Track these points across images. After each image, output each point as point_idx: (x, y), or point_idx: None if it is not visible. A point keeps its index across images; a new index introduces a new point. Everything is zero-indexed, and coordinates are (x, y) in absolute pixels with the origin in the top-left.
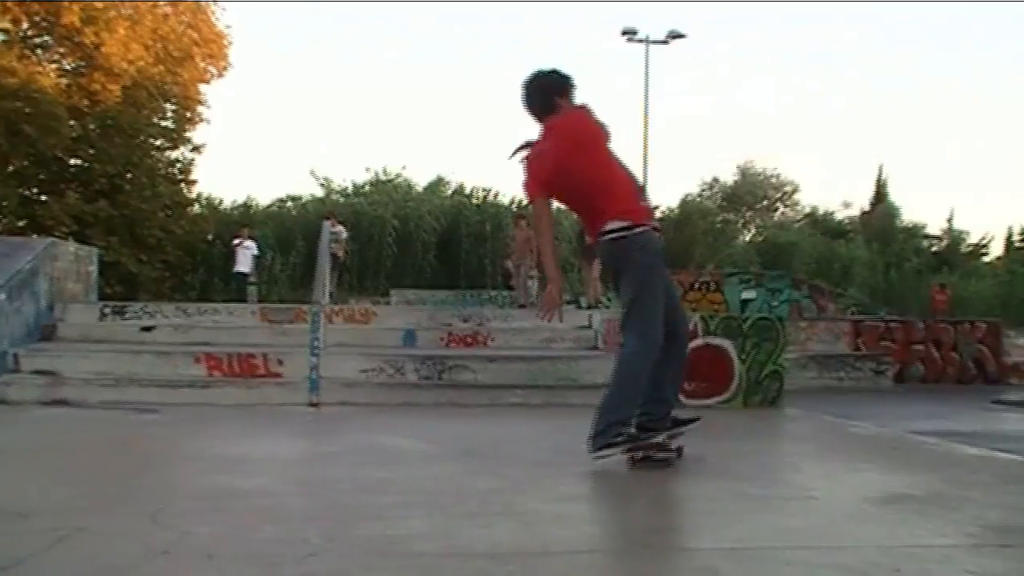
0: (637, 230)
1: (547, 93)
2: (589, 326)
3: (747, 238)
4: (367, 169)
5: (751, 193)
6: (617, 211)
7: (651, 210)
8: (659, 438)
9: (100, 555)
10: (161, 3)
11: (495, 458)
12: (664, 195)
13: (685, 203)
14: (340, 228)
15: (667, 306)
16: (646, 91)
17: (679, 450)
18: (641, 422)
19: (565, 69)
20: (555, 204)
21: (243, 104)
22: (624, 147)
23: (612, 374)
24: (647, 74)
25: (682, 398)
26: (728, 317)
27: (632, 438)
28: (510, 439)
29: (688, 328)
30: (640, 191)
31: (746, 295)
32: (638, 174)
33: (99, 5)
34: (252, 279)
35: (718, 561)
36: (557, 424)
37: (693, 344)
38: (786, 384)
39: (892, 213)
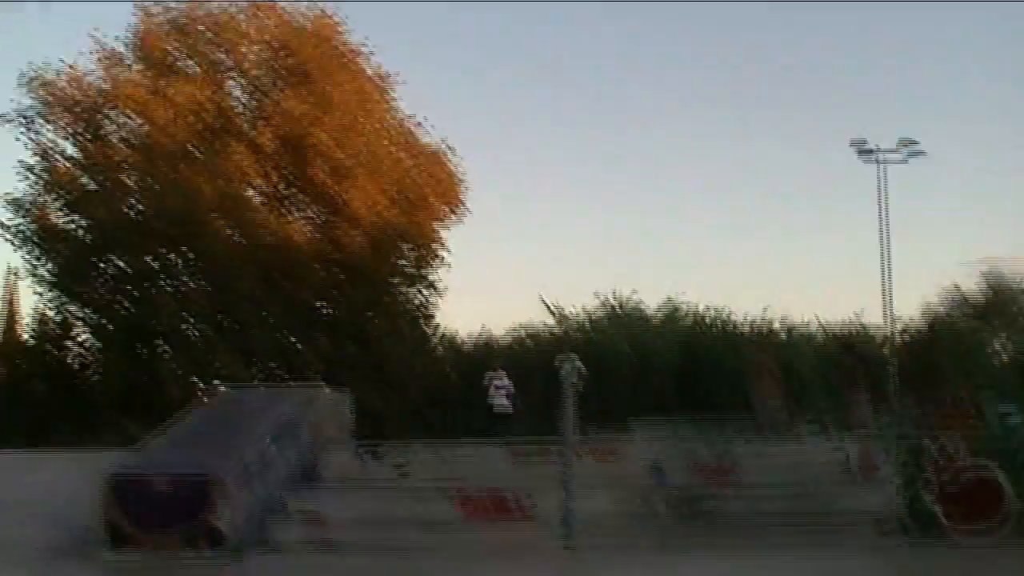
0: None
1: None
2: (842, 451)
3: (1001, 349)
4: (596, 295)
5: (1001, 300)
6: None
7: None
8: None
9: None
10: (402, 155)
11: None
12: (905, 305)
13: (928, 314)
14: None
15: None
16: (881, 204)
17: None
18: None
19: None
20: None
21: (478, 240)
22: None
23: None
24: (881, 187)
25: (948, 529)
26: (992, 439)
27: None
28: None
29: None
30: None
31: (1009, 415)
32: (878, 280)
33: (345, 161)
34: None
35: None
36: (816, 558)
37: (956, 470)
38: None
39: None
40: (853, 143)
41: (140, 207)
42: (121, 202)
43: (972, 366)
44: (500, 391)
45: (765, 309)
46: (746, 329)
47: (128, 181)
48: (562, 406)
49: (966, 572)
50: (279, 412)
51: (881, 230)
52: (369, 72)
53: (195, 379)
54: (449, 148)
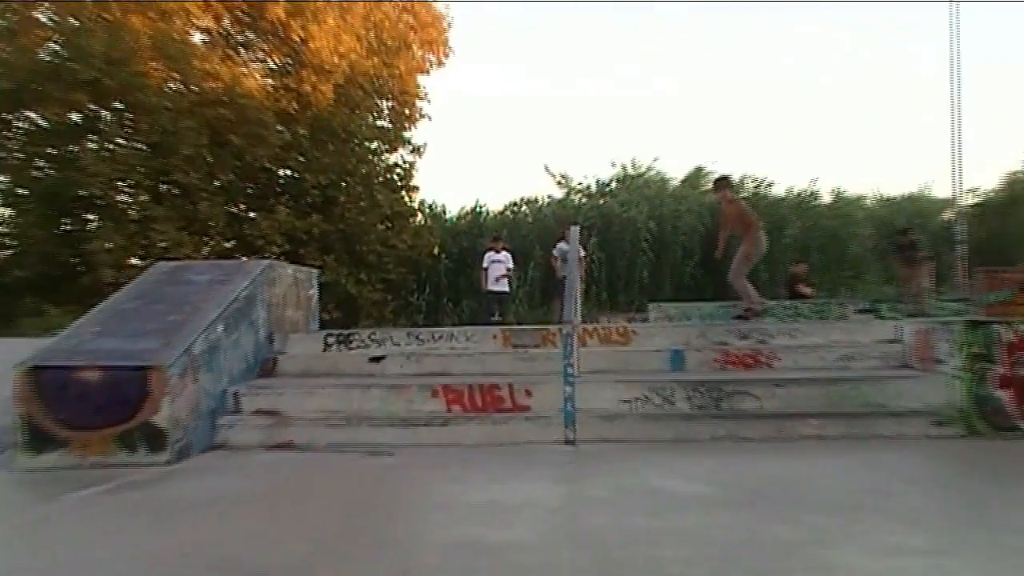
0: None
1: None
2: (897, 340)
3: None
4: (613, 164)
5: None
6: None
7: None
8: None
9: None
10: None
11: (792, 502)
12: (981, 175)
13: (1013, 182)
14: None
15: None
16: (952, 57)
17: None
18: None
19: None
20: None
21: (467, 95)
22: (931, 122)
23: None
24: (952, 38)
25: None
26: None
27: None
28: (807, 479)
29: None
30: None
31: None
32: (948, 149)
33: None
34: (500, 303)
35: None
36: (864, 459)
37: None
38: None
39: None
40: None
41: (60, 51)
42: (36, 44)
43: None
44: (500, 272)
45: (814, 180)
46: (787, 197)
47: (44, 18)
48: (564, 283)
49: None
50: (230, 291)
51: (952, 80)
52: None
53: (133, 260)
54: None
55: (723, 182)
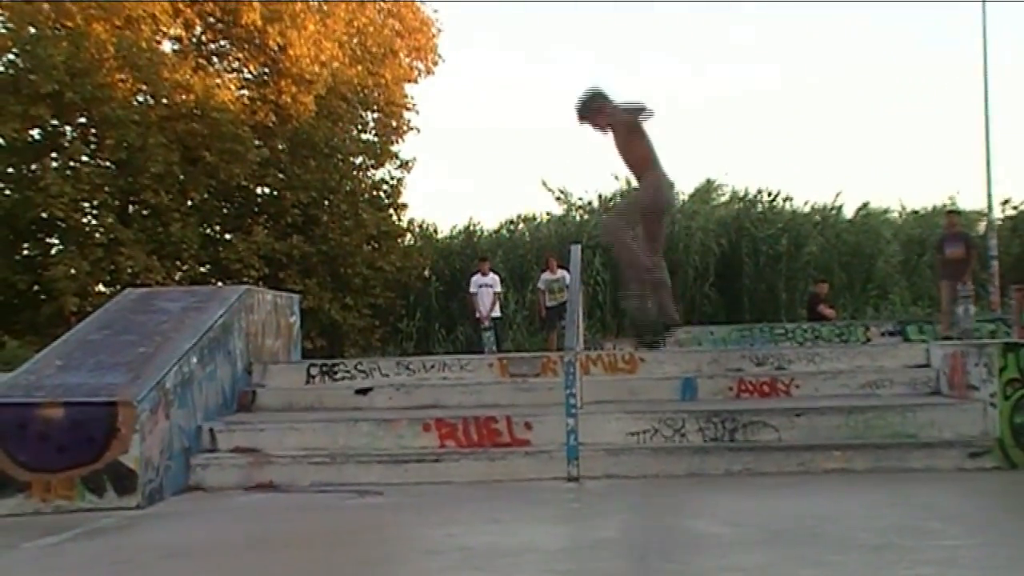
0: None
1: None
2: (927, 364)
3: None
4: (616, 177)
5: None
6: None
7: None
8: None
9: None
10: None
11: (815, 542)
12: (1013, 186)
13: None
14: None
15: None
16: (984, 54)
17: None
18: None
19: None
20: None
21: (458, 106)
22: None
23: None
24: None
25: None
26: None
27: None
28: (831, 516)
29: None
30: None
31: None
32: (974, 158)
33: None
34: (487, 324)
35: None
36: (892, 494)
37: None
38: None
39: None
40: None
41: (18, 62)
42: None
43: None
44: (490, 298)
45: (838, 193)
46: (808, 211)
47: (1, 27)
48: (555, 314)
49: None
50: (205, 320)
51: (985, 81)
52: None
53: (99, 287)
54: None
55: (592, 103)
